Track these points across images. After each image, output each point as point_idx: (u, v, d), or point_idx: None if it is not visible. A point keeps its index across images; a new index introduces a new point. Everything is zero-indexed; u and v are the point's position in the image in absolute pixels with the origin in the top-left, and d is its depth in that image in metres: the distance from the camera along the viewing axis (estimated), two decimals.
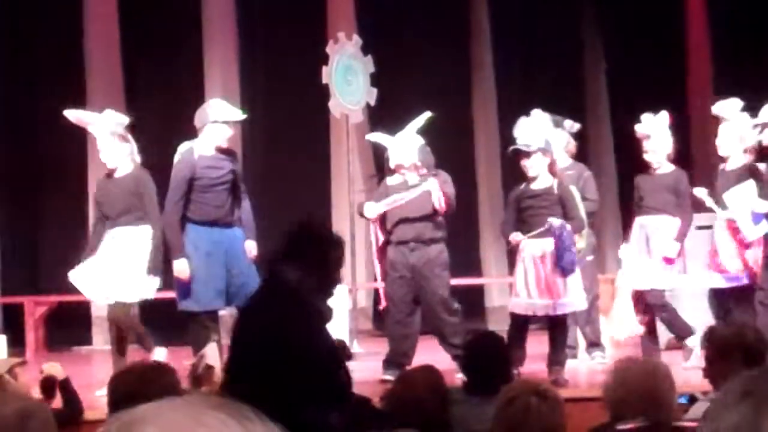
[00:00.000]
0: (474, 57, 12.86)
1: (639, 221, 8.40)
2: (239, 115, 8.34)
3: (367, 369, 8.50)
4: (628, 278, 8.37)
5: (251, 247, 8.19)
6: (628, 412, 3.95)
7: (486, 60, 12.81)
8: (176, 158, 8.21)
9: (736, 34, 12.40)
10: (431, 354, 8.18)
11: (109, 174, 8.32)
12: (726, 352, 4.73)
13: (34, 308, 11.22)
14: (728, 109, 8.34)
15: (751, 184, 8.30)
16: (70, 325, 11.67)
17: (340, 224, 11.47)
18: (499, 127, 12.47)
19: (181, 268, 7.93)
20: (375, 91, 9.93)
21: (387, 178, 8.61)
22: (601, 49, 13.00)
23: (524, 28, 12.76)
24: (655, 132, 8.37)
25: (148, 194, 8.16)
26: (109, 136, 8.23)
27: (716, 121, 8.23)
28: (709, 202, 8.28)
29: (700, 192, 8.34)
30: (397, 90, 10.47)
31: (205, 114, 8.22)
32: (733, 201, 8.18)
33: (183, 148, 8.22)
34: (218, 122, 8.11)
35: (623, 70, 12.59)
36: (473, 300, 11.74)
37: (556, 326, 8.03)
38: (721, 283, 8.23)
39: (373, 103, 9.93)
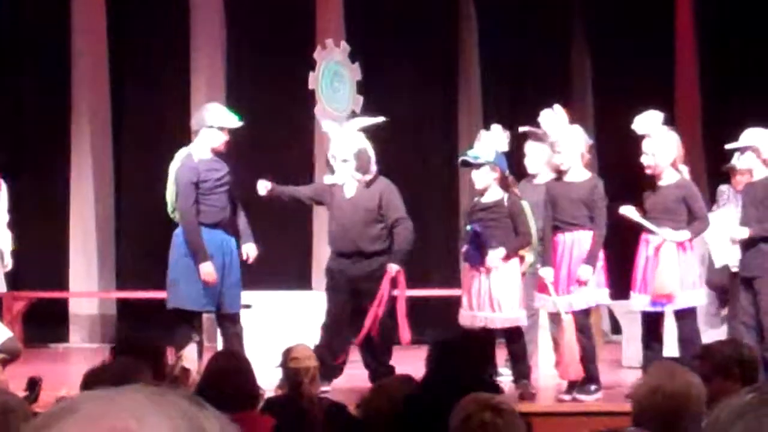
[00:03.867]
0: (461, 67, 12.87)
1: (559, 240, 7.85)
2: (235, 122, 8.36)
3: (343, 376, 8.50)
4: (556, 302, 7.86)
5: (251, 250, 8.30)
6: (651, 421, 3.83)
7: (473, 69, 12.81)
8: (176, 164, 8.29)
9: (724, 40, 12.40)
10: (411, 364, 8.17)
11: None
12: (725, 368, 4.70)
13: (12, 304, 11.18)
14: (648, 123, 7.81)
15: (730, 209, 8.25)
16: (47, 321, 11.63)
17: (321, 231, 11.47)
18: None
19: (207, 270, 8.00)
20: (361, 98, 9.93)
21: (324, 177, 8.55)
22: (588, 57, 13.01)
23: (511, 39, 12.77)
24: (557, 128, 7.89)
25: None
26: None
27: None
28: (644, 221, 7.76)
29: (628, 211, 7.82)
30: (383, 98, 10.46)
31: (201, 117, 8.33)
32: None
33: (181, 153, 8.34)
34: (214, 127, 8.18)
35: (610, 83, 12.60)
36: (453, 312, 11.74)
37: (510, 340, 8.05)
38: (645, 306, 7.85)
39: (358, 110, 9.91)
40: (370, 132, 8.83)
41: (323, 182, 8.54)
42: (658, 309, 7.79)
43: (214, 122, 8.22)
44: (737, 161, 9.02)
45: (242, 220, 8.38)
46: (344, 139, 8.44)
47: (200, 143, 8.23)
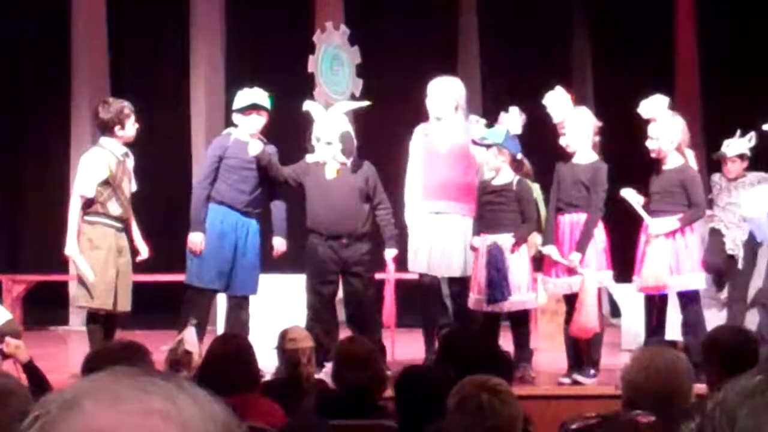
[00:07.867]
0: (460, 50, 12.88)
1: (560, 220, 7.89)
2: (260, 100, 8.39)
3: None
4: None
5: (279, 244, 8.33)
6: (642, 400, 3.84)
7: (472, 51, 12.83)
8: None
9: (723, 33, 12.40)
10: (407, 347, 8.20)
11: None
12: (704, 358, 4.69)
13: (12, 286, 11.20)
14: (654, 107, 7.79)
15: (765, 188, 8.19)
16: (47, 304, 11.64)
17: None
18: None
19: (194, 240, 8.07)
20: (360, 82, 9.93)
21: (307, 156, 8.55)
22: (588, 40, 13.01)
23: (511, 22, 12.77)
24: (562, 110, 7.89)
25: None
26: None
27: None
28: (638, 208, 7.77)
29: (628, 194, 7.83)
30: (382, 82, 10.45)
31: (235, 102, 8.46)
32: (749, 202, 8.08)
33: (224, 132, 8.52)
34: (235, 110, 8.31)
35: (610, 66, 12.60)
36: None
37: (516, 323, 8.06)
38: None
39: (358, 94, 9.91)
40: (368, 116, 8.84)
41: (302, 162, 8.53)
42: (661, 291, 7.79)
43: (235, 105, 8.36)
44: (727, 149, 9.03)
45: (279, 213, 8.42)
46: (329, 121, 8.46)
47: (240, 126, 8.36)
